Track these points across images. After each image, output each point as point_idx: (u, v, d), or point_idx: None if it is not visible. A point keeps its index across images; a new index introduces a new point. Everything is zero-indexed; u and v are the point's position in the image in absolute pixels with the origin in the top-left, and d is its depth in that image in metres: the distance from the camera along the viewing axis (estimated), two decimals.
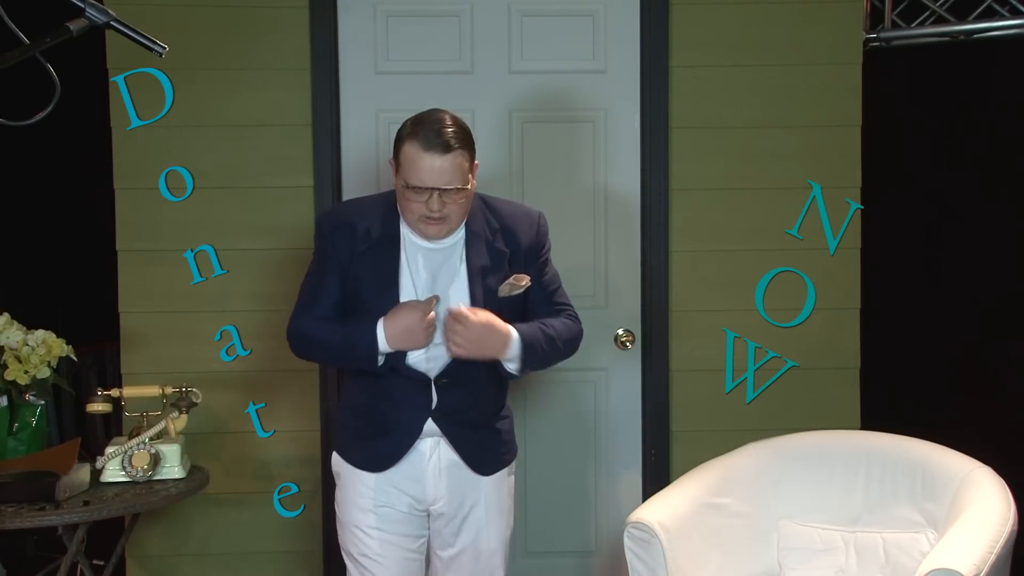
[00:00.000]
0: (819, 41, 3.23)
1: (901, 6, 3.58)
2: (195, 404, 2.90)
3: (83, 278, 4.56)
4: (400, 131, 2.21)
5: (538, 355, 2.30)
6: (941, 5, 3.55)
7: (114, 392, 2.90)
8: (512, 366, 2.28)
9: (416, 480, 2.32)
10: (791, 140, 3.25)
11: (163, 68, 3.05)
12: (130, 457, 2.75)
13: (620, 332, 3.30)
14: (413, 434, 2.29)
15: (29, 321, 2.88)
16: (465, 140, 2.19)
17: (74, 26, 1.69)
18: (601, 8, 3.26)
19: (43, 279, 4.83)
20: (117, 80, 3.12)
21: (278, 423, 3.21)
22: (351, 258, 2.28)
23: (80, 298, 4.65)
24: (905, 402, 3.69)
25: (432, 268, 2.28)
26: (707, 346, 3.28)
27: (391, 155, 2.25)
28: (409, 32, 3.24)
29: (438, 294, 2.23)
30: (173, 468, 2.79)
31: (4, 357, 2.76)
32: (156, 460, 2.76)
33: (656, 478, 3.24)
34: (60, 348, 2.81)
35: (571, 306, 2.44)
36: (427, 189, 2.15)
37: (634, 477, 3.34)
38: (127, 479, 2.75)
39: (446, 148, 2.13)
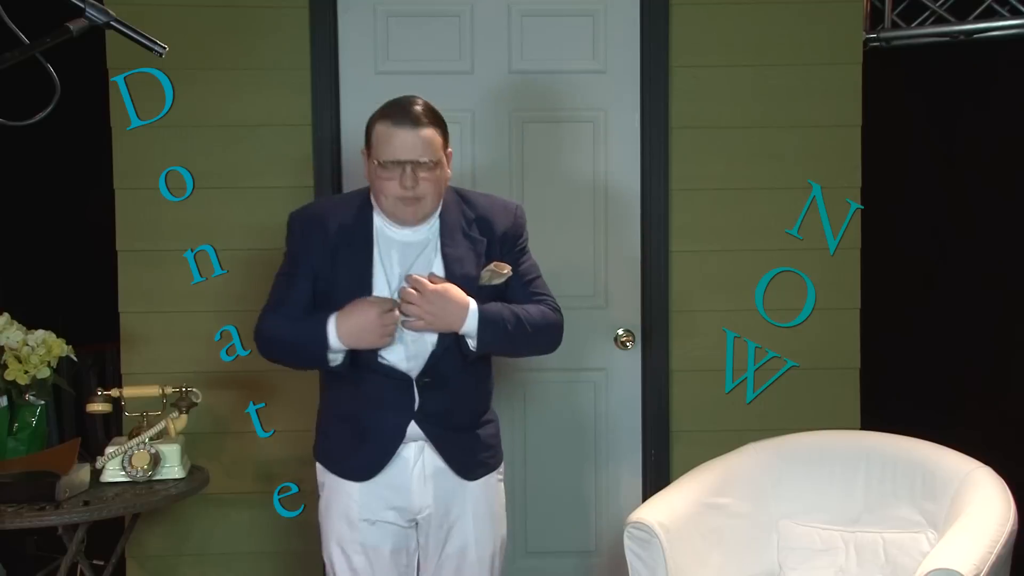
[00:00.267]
0: (819, 41, 3.23)
1: (901, 6, 3.58)
2: (195, 404, 2.90)
3: (83, 278, 4.56)
4: (370, 117, 2.26)
5: (501, 334, 2.21)
6: (941, 5, 3.55)
7: (114, 392, 2.90)
8: (471, 342, 2.21)
9: (401, 489, 2.27)
10: (791, 140, 3.25)
11: (163, 68, 3.05)
12: (130, 457, 2.75)
13: (620, 332, 3.30)
14: (397, 439, 2.24)
15: (29, 321, 2.87)
16: (436, 119, 2.22)
17: (74, 26, 1.69)
18: (601, 8, 3.26)
19: (43, 279, 4.83)
20: (117, 80, 3.13)
21: (278, 423, 3.21)
22: (322, 256, 2.25)
23: (80, 298, 4.65)
24: (905, 402, 3.69)
25: (406, 263, 2.24)
26: (707, 346, 3.28)
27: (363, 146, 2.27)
28: (409, 32, 3.25)
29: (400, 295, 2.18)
30: (173, 468, 2.79)
31: (4, 357, 2.76)
32: (156, 460, 2.76)
33: (656, 478, 3.24)
34: (60, 348, 2.81)
35: (551, 297, 2.36)
36: (400, 163, 2.15)
37: (634, 477, 3.34)
38: (127, 479, 2.75)
39: (417, 122, 2.17)
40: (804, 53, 3.23)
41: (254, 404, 3.19)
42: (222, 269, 3.18)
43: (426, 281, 2.15)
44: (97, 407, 2.86)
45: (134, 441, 2.77)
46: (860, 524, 2.71)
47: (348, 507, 2.29)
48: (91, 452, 2.88)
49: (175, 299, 3.18)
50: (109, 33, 1.77)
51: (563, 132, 3.29)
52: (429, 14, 3.25)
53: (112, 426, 3.81)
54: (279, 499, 3.21)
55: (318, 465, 2.38)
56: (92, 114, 3.31)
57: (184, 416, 2.86)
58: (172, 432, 2.82)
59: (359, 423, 2.27)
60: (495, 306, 2.23)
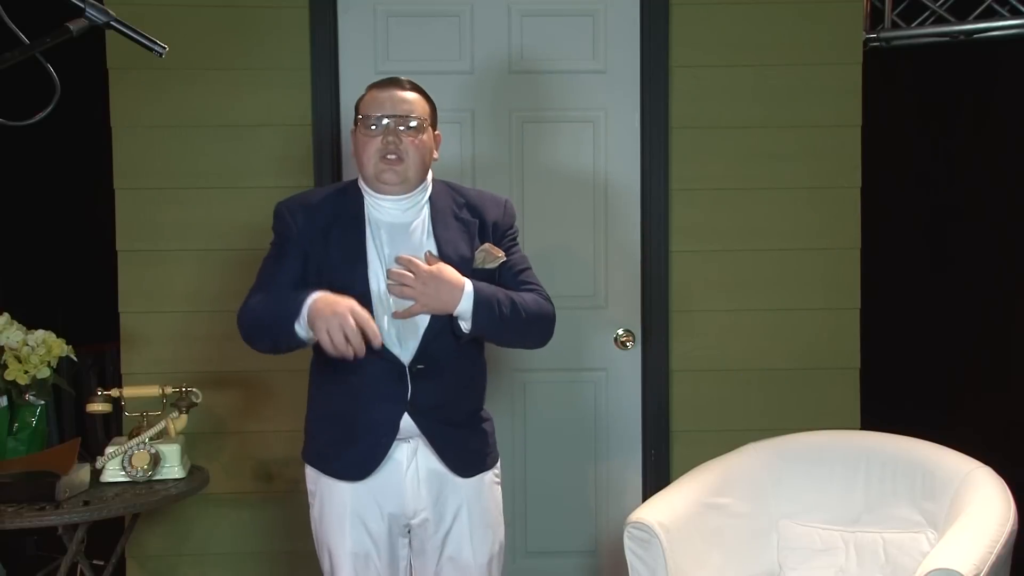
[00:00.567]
0: (819, 41, 3.24)
1: (901, 6, 3.58)
2: (195, 404, 2.90)
3: (83, 278, 4.56)
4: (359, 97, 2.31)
5: (496, 318, 2.17)
6: (941, 5, 3.55)
7: (114, 392, 2.90)
8: (465, 324, 2.16)
9: (394, 493, 2.24)
10: (791, 140, 3.25)
11: (163, 68, 3.05)
12: (130, 457, 2.75)
13: (620, 332, 3.30)
14: (391, 433, 2.20)
15: (29, 321, 2.88)
16: (423, 91, 2.28)
17: (74, 26, 1.69)
18: (601, 8, 3.26)
19: (43, 279, 4.83)
20: (117, 80, 3.13)
21: (278, 423, 3.21)
22: (313, 236, 2.23)
23: (80, 298, 4.65)
24: (905, 402, 3.69)
25: (396, 244, 2.22)
26: (707, 346, 3.28)
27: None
28: (409, 32, 3.25)
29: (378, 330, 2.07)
30: (173, 468, 2.79)
31: (4, 357, 2.76)
32: (156, 460, 2.76)
33: (656, 478, 3.24)
34: (60, 348, 2.81)
35: (542, 288, 2.32)
36: (383, 119, 2.18)
37: (634, 477, 3.34)
38: (127, 479, 2.75)
39: (402, 86, 2.25)
40: (804, 53, 3.24)
41: (254, 404, 3.19)
42: (222, 269, 3.18)
43: (419, 261, 2.11)
44: (97, 407, 2.86)
45: (134, 441, 2.77)
46: (860, 524, 2.71)
47: (341, 513, 2.24)
48: (91, 452, 2.88)
49: (175, 299, 3.18)
50: (109, 33, 1.77)
51: (563, 132, 3.29)
52: (429, 14, 3.25)
53: (112, 426, 3.81)
54: (279, 499, 3.21)
55: (308, 471, 2.32)
56: (92, 114, 3.32)
57: (184, 416, 2.86)
58: (172, 432, 2.82)
59: (350, 419, 2.22)
60: (490, 288, 2.20)
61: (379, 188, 2.24)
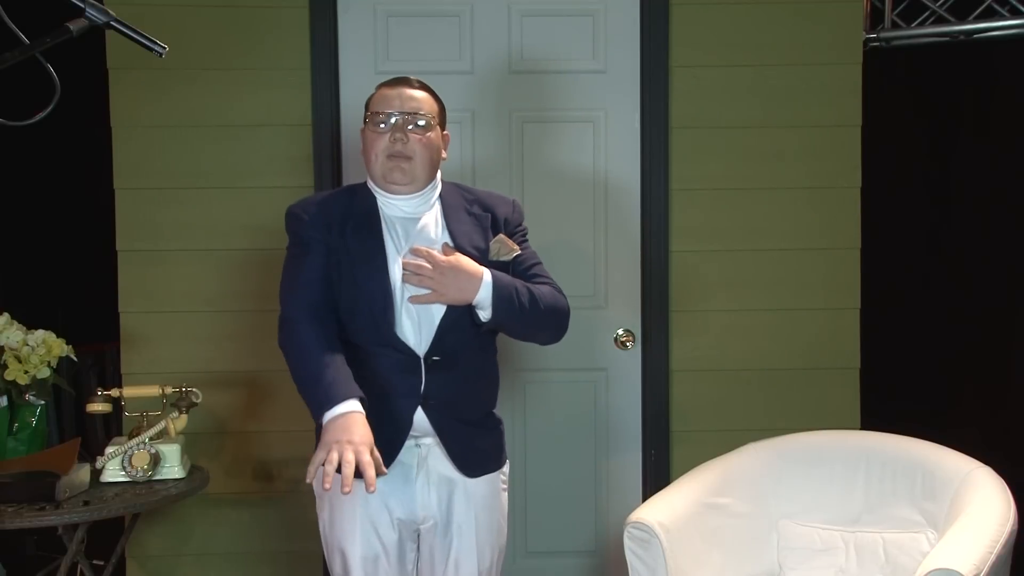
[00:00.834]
0: (819, 41, 3.24)
1: (901, 6, 3.58)
2: (195, 404, 2.90)
3: (83, 278, 4.56)
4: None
5: (515, 308, 2.17)
6: (941, 5, 3.55)
7: (114, 392, 2.90)
8: (484, 313, 2.16)
9: (406, 498, 2.23)
10: (791, 140, 3.25)
11: (163, 68, 3.05)
12: (130, 457, 2.75)
13: (620, 332, 3.30)
14: (404, 429, 2.19)
15: (29, 321, 2.88)
16: (432, 91, 2.30)
17: (74, 26, 1.69)
18: (601, 8, 3.26)
19: (43, 279, 4.83)
20: (117, 80, 3.13)
21: (278, 423, 3.21)
22: (330, 231, 2.22)
23: (80, 298, 4.65)
24: (905, 402, 3.69)
25: (413, 238, 2.22)
26: (707, 346, 3.28)
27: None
28: (409, 32, 3.25)
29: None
30: (173, 468, 2.79)
31: (4, 357, 2.76)
32: (156, 460, 2.76)
33: (656, 478, 3.24)
34: (60, 348, 2.81)
35: (555, 283, 2.31)
36: (392, 116, 2.19)
37: (634, 477, 3.34)
38: (127, 479, 2.75)
39: (412, 85, 2.27)
40: (804, 53, 3.24)
41: (254, 404, 3.19)
42: (222, 269, 3.18)
43: (436, 253, 2.12)
44: (97, 407, 2.86)
45: (134, 441, 2.77)
46: (860, 524, 2.71)
47: (352, 517, 2.23)
48: (91, 452, 2.88)
49: (175, 299, 3.18)
50: (109, 33, 1.77)
51: (563, 132, 3.29)
52: (429, 14, 3.25)
53: (112, 426, 3.82)
54: (279, 499, 3.21)
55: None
56: (92, 114, 3.32)
57: (184, 416, 2.86)
58: (172, 432, 2.82)
59: (369, 415, 2.18)
60: (508, 278, 2.21)
61: (387, 188, 2.24)
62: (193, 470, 2.89)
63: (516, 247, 2.28)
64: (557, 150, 3.29)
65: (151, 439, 2.79)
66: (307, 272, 2.21)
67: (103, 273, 3.34)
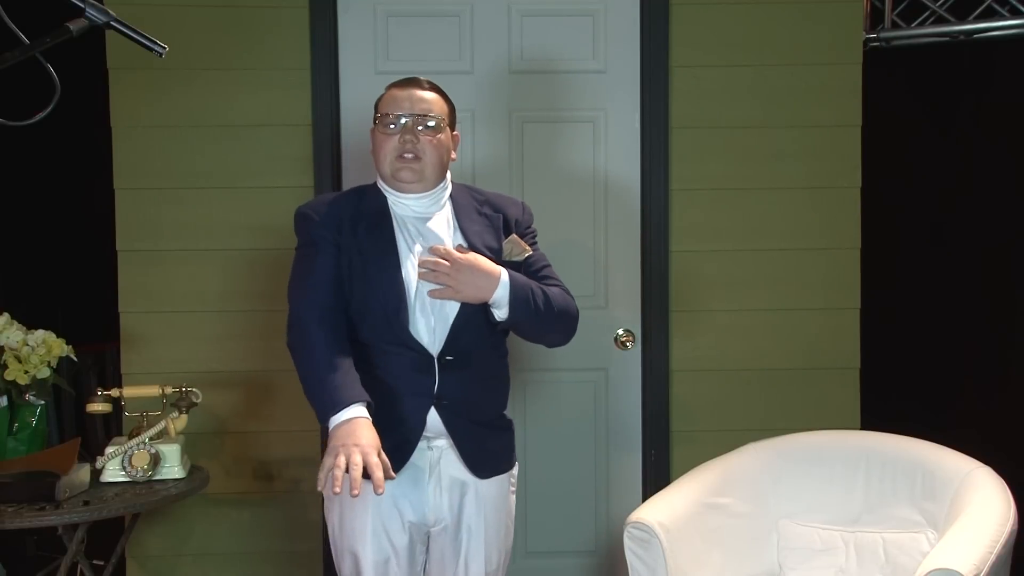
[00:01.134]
0: (819, 41, 3.24)
1: (901, 6, 3.58)
2: (195, 404, 2.90)
3: (83, 278, 4.56)
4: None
5: (530, 308, 2.19)
6: (941, 5, 3.55)
7: (114, 392, 2.90)
8: (500, 312, 2.18)
9: (417, 502, 2.23)
10: (791, 140, 3.25)
11: (163, 68, 3.05)
12: (130, 457, 2.75)
13: (620, 332, 3.30)
14: (417, 429, 2.18)
15: (29, 321, 2.88)
16: (442, 91, 2.30)
17: (74, 26, 1.69)
18: (601, 8, 3.26)
19: (43, 279, 4.83)
20: (117, 80, 3.13)
21: (278, 423, 3.21)
22: (340, 231, 2.21)
23: (80, 298, 4.65)
24: (905, 402, 3.69)
25: (426, 236, 2.23)
26: (707, 346, 3.28)
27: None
28: (409, 32, 3.25)
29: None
30: (173, 468, 2.79)
31: (4, 357, 2.76)
32: (156, 460, 2.76)
33: (656, 478, 3.24)
34: (60, 348, 2.81)
35: (564, 284, 2.33)
36: (402, 118, 2.20)
37: (634, 477, 3.34)
38: (127, 479, 2.75)
39: (421, 85, 2.27)
40: (804, 53, 3.24)
41: (254, 404, 3.19)
42: (222, 269, 3.18)
43: (454, 251, 2.13)
44: (97, 407, 2.86)
45: (134, 441, 2.77)
46: (860, 524, 2.71)
47: (364, 519, 2.22)
48: (91, 452, 2.88)
49: (175, 299, 3.18)
50: (109, 33, 1.77)
51: (563, 132, 3.29)
52: (429, 14, 3.25)
53: (112, 426, 3.81)
54: (279, 499, 3.21)
55: None
56: (92, 114, 3.32)
57: (184, 416, 2.86)
58: (172, 432, 2.82)
59: (377, 414, 2.14)
60: (523, 278, 2.22)
61: (397, 186, 2.25)
62: (193, 470, 2.89)
63: (528, 248, 2.30)
64: (557, 150, 3.29)
65: (151, 439, 2.79)
66: (317, 273, 2.19)
67: (103, 273, 3.34)
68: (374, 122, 2.27)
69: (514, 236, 2.29)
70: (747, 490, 2.75)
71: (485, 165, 3.27)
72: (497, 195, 2.41)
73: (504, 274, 2.17)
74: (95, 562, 2.96)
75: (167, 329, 3.18)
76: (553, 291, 2.27)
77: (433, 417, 2.20)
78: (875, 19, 3.59)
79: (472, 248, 2.22)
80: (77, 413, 4.19)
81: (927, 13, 3.57)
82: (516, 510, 2.41)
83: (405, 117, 2.21)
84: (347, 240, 2.21)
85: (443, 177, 2.28)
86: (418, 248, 2.22)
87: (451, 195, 2.32)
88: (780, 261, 3.27)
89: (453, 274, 2.12)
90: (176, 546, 3.23)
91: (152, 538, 3.22)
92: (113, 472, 2.76)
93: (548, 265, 2.36)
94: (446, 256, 2.13)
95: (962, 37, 3.55)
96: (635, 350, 3.31)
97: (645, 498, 3.16)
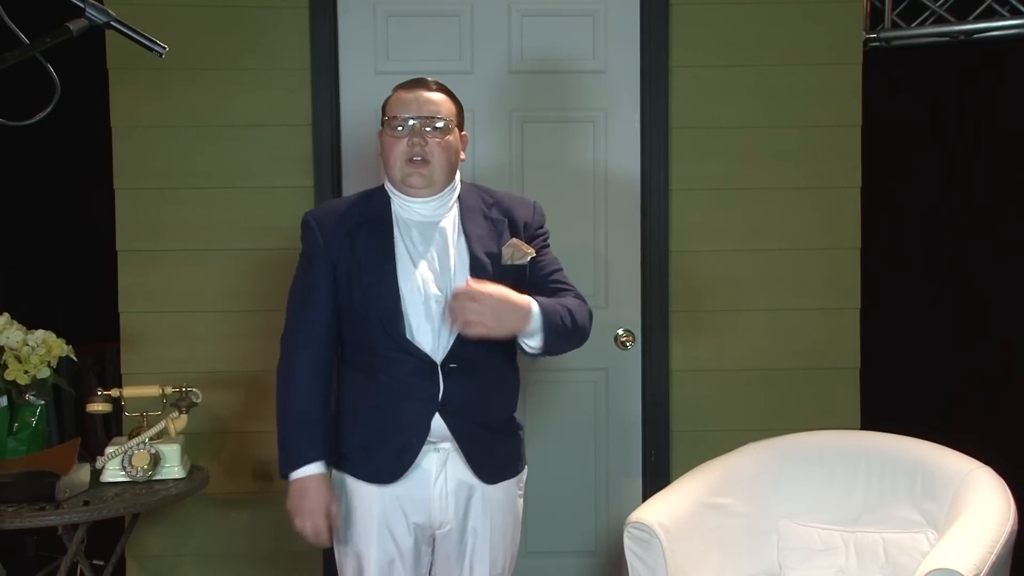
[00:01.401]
0: (819, 41, 3.24)
1: (901, 6, 3.58)
2: (195, 404, 2.90)
3: (83, 278, 4.57)
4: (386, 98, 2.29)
5: (560, 330, 2.14)
6: (941, 5, 3.55)
7: (114, 392, 2.90)
8: (534, 342, 2.13)
9: (421, 503, 2.21)
10: (791, 140, 3.25)
11: (163, 68, 3.05)
12: (130, 457, 2.75)
13: (620, 332, 3.30)
14: (421, 434, 2.16)
15: (29, 321, 2.88)
16: (449, 92, 2.27)
17: (74, 26, 1.69)
18: (601, 8, 3.26)
19: (43, 279, 4.84)
20: (117, 80, 3.13)
21: None
22: (339, 244, 2.20)
23: (80, 298, 4.65)
24: (905, 402, 3.69)
25: (427, 241, 2.20)
26: (707, 346, 3.28)
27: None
28: (409, 32, 3.25)
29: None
30: (173, 468, 2.79)
31: (4, 357, 2.76)
32: (156, 460, 2.76)
33: (656, 478, 3.24)
34: (60, 348, 2.81)
35: (576, 289, 2.29)
36: (409, 120, 2.17)
37: (634, 477, 3.34)
38: (127, 479, 2.75)
39: (428, 86, 2.24)
40: (804, 53, 3.24)
41: (254, 404, 3.19)
42: (222, 269, 3.18)
43: (480, 287, 2.04)
44: (97, 407, 2.86)
45: (134, 441, 2.77)
46: (860, 524, 2.71)
47: (369, 520, 2.22)
48: (91, 452, 2.88)
49: (175, 299, 3.18)
50: (109, 33, 1.77)
51: (563, 132, 3.29)
52: (429, 14, 3.25)
53: (112, 426, 3.82)
54: (279, 499, 3.20)
55: (334, 474, 2.26)
56: (92, 114, 3.32)
57: (184, 416, 2.85)
58: (172, 432, 2.82)
59: (381, 419, 2.18)
60: (550, 302, 2.16)
61: (406, 191, 2.21)
62: (193, 470, 2.88)
63: (530, 250, 2.23)
64: (557, 150, 3.29)
65: (151, 439, 2.79)
66: (313, 292, 2.22)
67: (103, 273, 3.34)
68: (381, 125, 2.25)
69: (514, 240, 2.24)
70: (747, 490, 2.75)
71: (485, 165, 3.27)
72: (508, 195, 2.37)
73: (534, 304, 2.11)
74: (95, 562, 2.97)
75: (167, 329, 3.18)
76: (571, 303, 2.22)
77: (438, 422, 2.17)
78: (875, 19, 3.59)
79: (472, 255, 2.19)
80: (77, 413, 4.19)
81: (927, 13, 3.57)
82: None
83: (413, 119, 2.18)
84: (345, 252, 2.20)
85: (452, 178, 2.26)
86: (420, 250, 2.19)
87: (459, 196, 2.28)
88: (780, 261, 3.27)
89: (479, 310, 2.03)
90: (176, 546, 3.23)
91: (152, 538, 3.22)
92: (113, 472, 2.76)
93: (559, 269, 2.31)
94: (470, 294, 2.03)
95: (962, 37, 3.55)
96: (635, 350, 3.31)
97: (645, 498, 3.16)
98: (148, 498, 2.65)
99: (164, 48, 1.81)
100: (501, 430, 2.27)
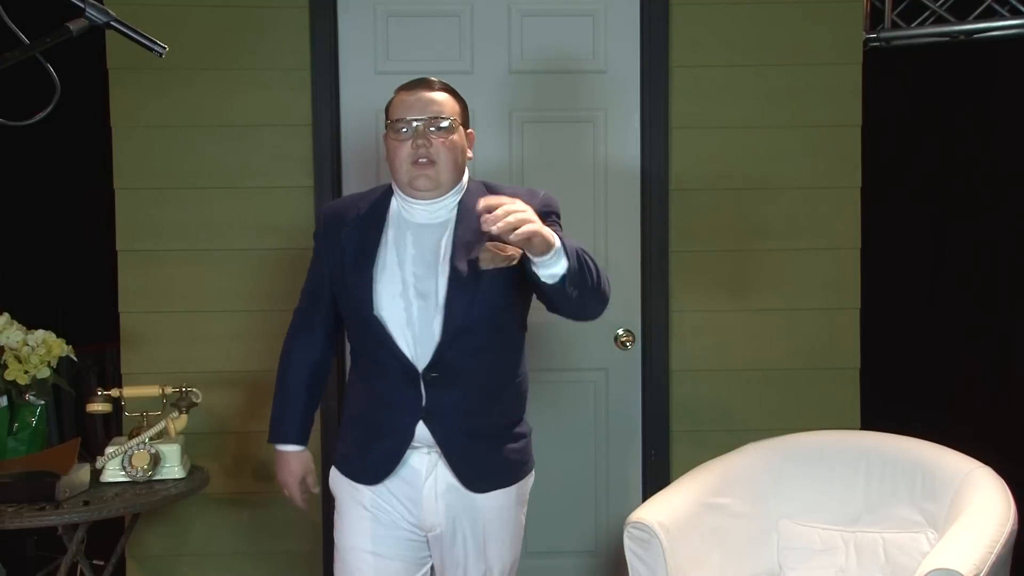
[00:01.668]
0: (819, 41, 3.24)
1: (901, 6, 3.58)
2: (195, 404, 2.90)
3: (83, 278, 4.56)
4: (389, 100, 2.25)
5: (580, 265, 1.95)
6: (941, 5, 3.55)
7: (114, 392, 2.90)
8: (558, 268, 1.92)
9: (413, 502, 2.18)
10: (791, 140, 3.25)
11: (163, 68, 3.05)
12: (130, 457, 2.75)
13: (620, 332, 3.30)
14: (406, 439, 2.14)
15: (29, 321, 2.88)
16: (453, 91, 2.22)
17: (74, 26, 1.69)
18: (601, 8, 3.26)
19: (43, 279, 4.83)
20: (117, 80, 3.13)
21: None
22: (334, 239, 2.21)
23: (80, 298, 4.65)
24: (905, 402, 3.69)
25: (420, 244, 2.14)
26: (707, 346, 3.28)
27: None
28: (409, 32, 3.25)
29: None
30: (173, 468, 2.79)
31: (4, 357, 2.76)
32: (156, 460, 2.76)
33: (656, 478, 3.24)
34: (60, 348, 2.81)
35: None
36: (412, 122, 2.12)
37: (634, 477, 3.34)
38: (127, 479, 2.75)
39: (430, 86, 2.19)
40: (804, 53, 3.23)
41: (254, 404, 3.19)
42: (222, 269, 3.18)
43: (503, 198, 1.88)
44: (97, 407, 2.86)
45: (134, 441, 2.77)
46: (860, 524, 2.71)
47: (361, 516, 2.21)
48: (91, 452, 2.88)
49: (175, 299, 3.18)
50: (109, 33, 1.77)
51: (563, 132, 3.29)
52: (429, 14, 3.25)
53: (112, 426, 3.81)
54: (279, 499, 3.20)
55: (332, 472, 2.29)
56: (93, 114, 3.32)
57: (184, 416, 2.86)
58: (172, 432, 2.82)
59: (371, 423, 2.19)
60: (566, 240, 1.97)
61: (413, 194, 2.16)
62: (193, 470, 2.89)
63: (513, 251, 2.03)
64: (557, 150, 3.29)
65: (151, 439, 2.79)
66: (313, 284, 2.31)
67: (103, 273, 3.34)
68: (385, 127, 2.20)
69: (488, 244, 2.05)
70: (747, 490, 2.75)
71: (485, 165, 3.27)
72: (515, 189, 2.20)
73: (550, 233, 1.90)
74: (95, 562, 2.97)
75: (167, 329, 3.18)
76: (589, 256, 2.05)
77: (422, 429, 2.14)
78: (875, 19, 3.59)
79: (455, 260, 2.10)
80: (77, 413, 4.19)
81: (927, 13, 3.57)
82: None
83: (416, 121, 2.13)
84: (336, 250, 2.21)
85: (459, 178, 2.19)
86: (411, 253, 2.14)
87: (463, 198, 2.18)
88: (780, 261, 3.27)
89: (517, 207, 1.84)
90: (176, 546, 3.23)
91: (152, 538, 3.22)
92: (113, 472, 2.76)
93: (581, 247, 2.09)
94: (498, 203, 1.86)
95: (962, 37, 3.54)
96: (635, 350, 3.31)
97: (645, 498, 3.16)
98: (148, 498, 2.65)
99: (164, 48, 1.81)
100: (496, 439, 2.21)
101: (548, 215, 2.13)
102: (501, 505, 2.22)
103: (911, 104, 3.82)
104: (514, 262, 2.06)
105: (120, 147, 3.17)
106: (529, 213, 1.87)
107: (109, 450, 2.77)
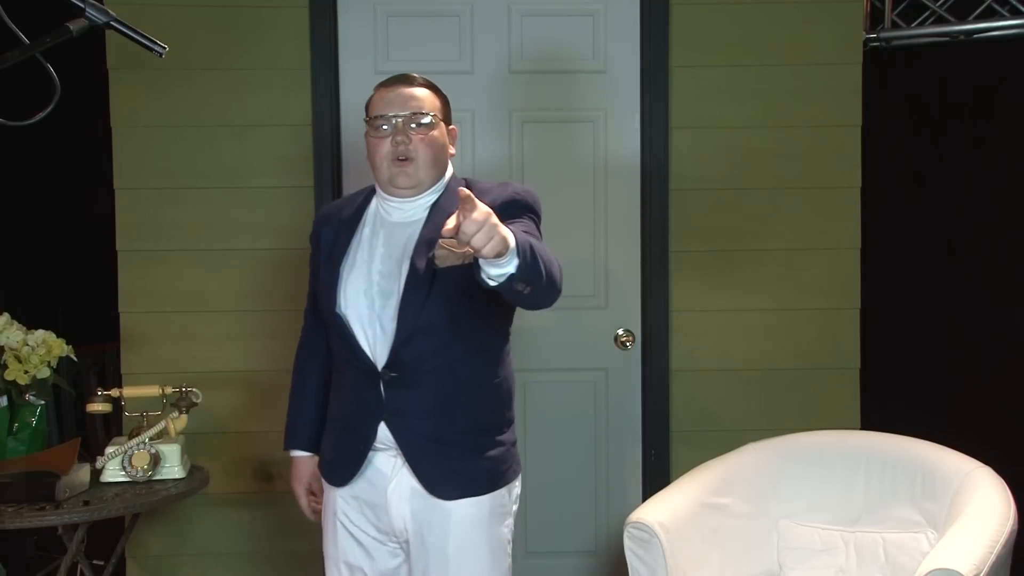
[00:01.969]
0: (819, 41, 3.23)
1: (901, 6, 3.58)
2: (195, 404, 2.90)
3: (83, 278, 4.56)
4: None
5: (532, 261, 1.77)
6: (941, 5, 3.55)
7: (114, 392, 2.90)
8: (511, 264, 1.73)
9: (379, 506, 2.12)
10: (791, 140, 3.25)
11: (163, 68, 3.05)
12: (130, 457, 2.75)
13: (620, 332, 3.30)
14: (368, 440, 2.09)
15: (29, 321, 2.88)
16: (433, 86, 2.19)
17: (74, 26, 1.69)
18: (601, 8, 3.26)
19: (43, 279, 4.84)
20: (117, 80, 3.13)
21: (278, 423, 3.19)
22: (319, 240, 2.23)
23: (80, 298, 4.65)
24: (905, 402, 3.69)
25: (390, 243, 2.11)
26: (707, 346, 3.28)
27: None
28: (409, 32, 3.25)
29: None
30: (173, 468, 2.79)
31: (4, 357, 2.76)
32: (156, 460, 2.76)
33: (656, 478, 3.24)
34: (60, 348, 2.81)
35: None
36: (392, 118, 2.09)
37: (634, 477, 3.34)
38: (127, 479, 2.75)
39: (410, 82, 2.16)
40: (804, 53, 3.23)
41: (254, 404, 3.19)
42: (222, 269, 3.18)
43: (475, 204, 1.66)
44: (97, 407, 2.86)
45: (134, 441, 2.77)
46: (860, 524, 2.71)
47: (334, 519, 2.20)
48: (91, 452, 2.88)
49: (175, 299, 3.18)
50: (109, 33, 1.77)
51: (563, 132, 3.29)
52: (429, 14, 3.25)
53: (112, 426, 3.82)
54: (279, 499, 3.21)
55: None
56: (93, 114, 3.32)
57: (184, 416, 2.86)
58: (172, 432, 2.82)
59: (340, 422, 2.18)
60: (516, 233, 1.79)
61: (392, 192, 2.14)
62: (193, 470, 2.88)
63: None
64: (557, 150, 3.29)
65: (151, 439, 2.79)
66: (311, 287, 2.30)
67: (103, 273, 3.34)
68: (366, 124, 2.18)
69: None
70: (747, 490, 2.75)
71: (485, 165, 3.27)
72: (489, 186, 2.13)
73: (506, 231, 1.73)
74: (95, 562, 2.97)
75: (167, 329, 3.18)
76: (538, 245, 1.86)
77: (384, 430, 2.08)
78: (875, 19, 3.59)
79: (416, 260, 2.04)
80: (77, 413, 4.19)
81: (927, 13, 3.57)
82: (518, 511, 2.28)
83: (396, 117, 2.10)
84: (315, 254, 2.24)
85: (441, 175, 2.15)
86: (380, 252, 2.11)
87: (440, 197, 2.14)
88: (780, 261, 3.27)
89: (477, 225, 1.64)
90: (176, 546, 3.23)
91: (152, 538, 3.22)
92: (113, 472, 2.76)
93: (535, 237, 1.99)
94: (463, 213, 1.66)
95: (962, 37, 3.54)
96: (635, 350, 3.31)
97: (645, 498, 3.15)
98: (148, 498, 2.65)
99: (164, 48, 1.81)
100: (468, 445, 2.09)
101: (513, 206, 2.06)
102: (474, 516, 2.09)
103: (911, 104, 3.82)
104: (469, 260, 1.87)
105: (120, 147, 3.17)
106: (487, 225, 1.64)
107: (109, 450, 2.77)
